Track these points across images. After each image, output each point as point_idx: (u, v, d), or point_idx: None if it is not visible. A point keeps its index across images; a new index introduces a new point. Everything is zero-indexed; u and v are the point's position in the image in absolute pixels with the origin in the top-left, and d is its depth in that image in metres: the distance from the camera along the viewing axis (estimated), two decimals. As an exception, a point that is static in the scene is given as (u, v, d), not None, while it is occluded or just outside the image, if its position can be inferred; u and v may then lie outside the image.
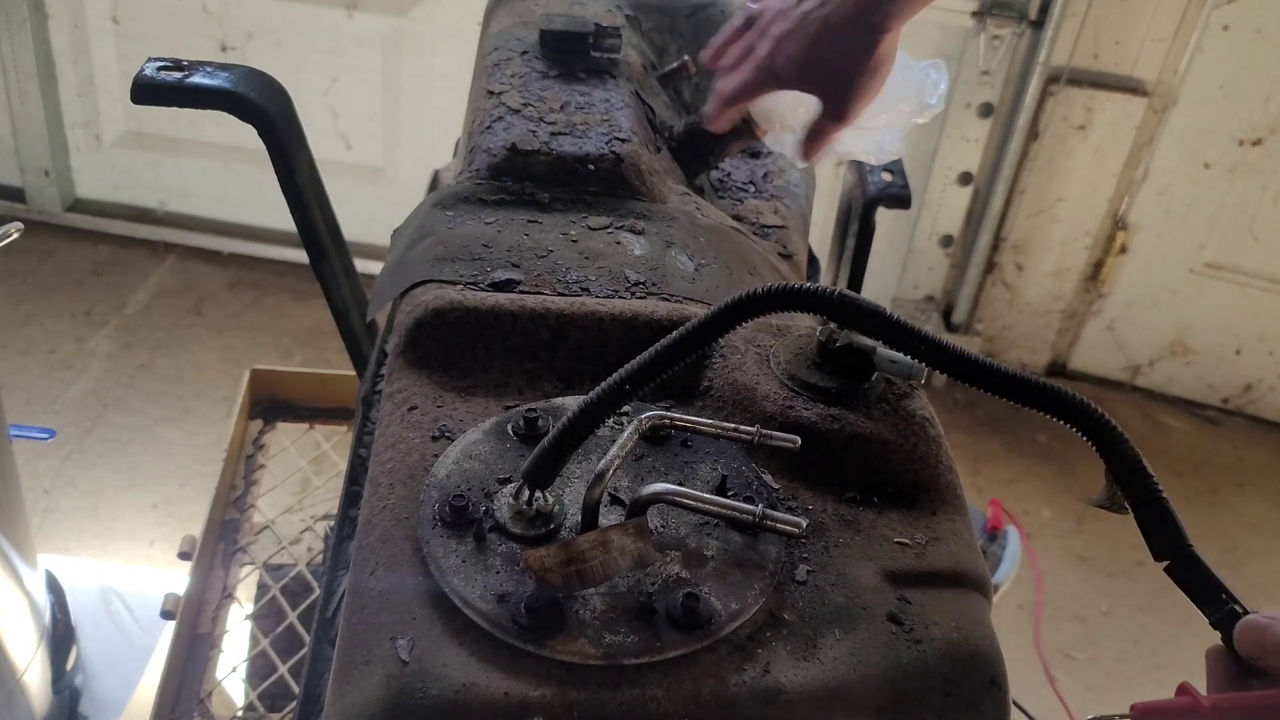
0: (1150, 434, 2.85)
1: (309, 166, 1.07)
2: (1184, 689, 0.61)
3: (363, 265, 1.22)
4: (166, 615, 1.30)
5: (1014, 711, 0.66)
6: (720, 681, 0.59)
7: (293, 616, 1.35)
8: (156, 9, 2.77)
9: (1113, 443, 0.64)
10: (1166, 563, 0.63)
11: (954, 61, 2.59)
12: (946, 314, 2.95)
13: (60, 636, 1.69)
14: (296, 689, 1.18)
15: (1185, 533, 0.63)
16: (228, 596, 1.38)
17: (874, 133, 1.01)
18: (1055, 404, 0.65)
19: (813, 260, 1.18)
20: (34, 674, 1.57)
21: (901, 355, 0.74)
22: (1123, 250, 2.79)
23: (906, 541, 0.69)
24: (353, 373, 1.25)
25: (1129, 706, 0.61)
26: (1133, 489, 0.64)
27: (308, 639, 1.04)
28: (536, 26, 1.08)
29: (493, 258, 0.84)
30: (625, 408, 0.74)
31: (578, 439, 0.64)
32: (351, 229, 1.20)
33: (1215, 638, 0.63)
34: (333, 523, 1.08)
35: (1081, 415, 0.65)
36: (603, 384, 0.64)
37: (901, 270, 2.92)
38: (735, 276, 0.91)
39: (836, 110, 0.97)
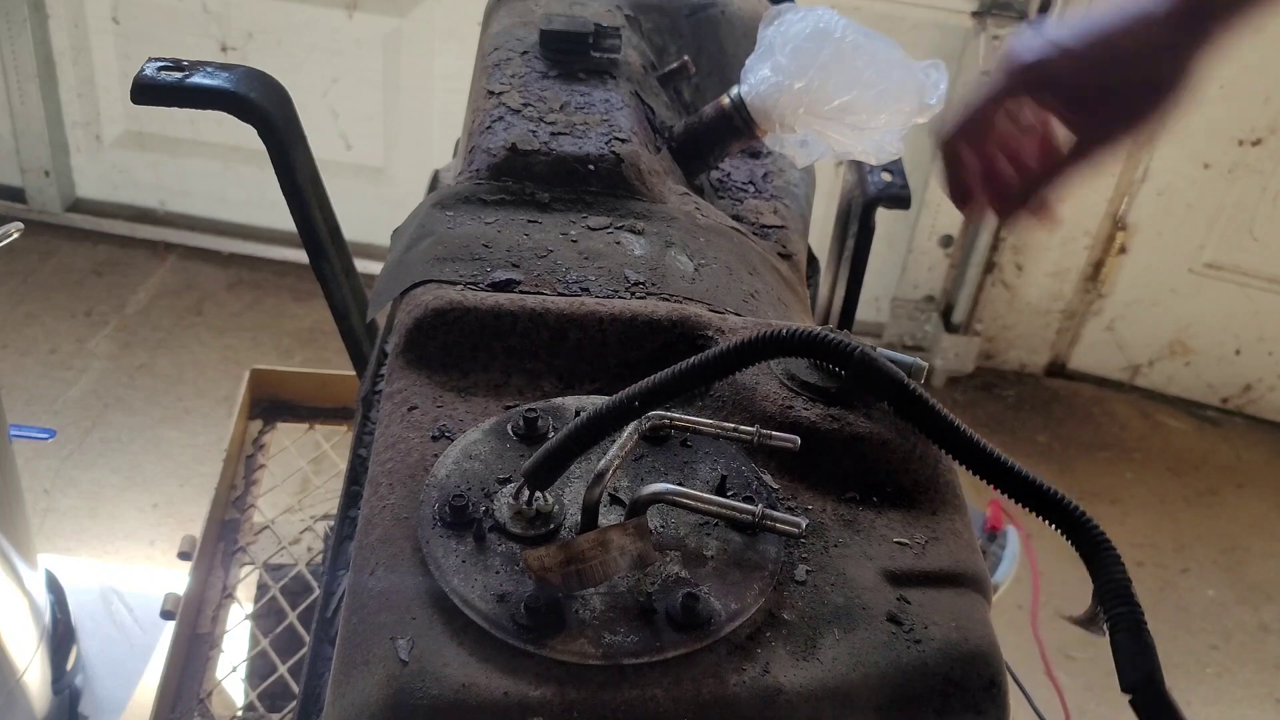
0: (1150, 434, 2.85)
1: (309, 166, 1.07)
2: None
3: (363, 265, 1.22)
4: (166, 615, 1.30)
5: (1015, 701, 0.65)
6: (720, 681, 0.59)
7: (293, 616, 1.35)
8: (156, 9, 2.77)
9: (1106, 562, 0.62)
10: (1132, 695, 0.58)
11: (954, 61, 2.59)
12: (946, 314, 2.95)
13: (60, 636, 1.69)
14: (296, 689, 1.18)
15: (1160, 669, 0.59)
16: (228, 596, 1.38)
17: (873, 133, 1.01)
18: (1057, 513, 0.63)
19: (812, 260, 1.18)
20: (34, 674, 1.57)
21: (902, 355, 0.74)
22: (1122, 250, 2.79)
23: (906, 541, 0.69)
24: (353, 373, 1.25)
25: None
26: (1116, 613, 0.60)
27: (308, 639, 1.04)
28: (536, 26, 1.08)
29: (493, 258, 0.84)
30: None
31: (582, 447, 0.64)
32: (351, 229, 1.20)
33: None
34: (333, 523, 1.08)
35: (1081, 528, 0.63)
36: (613, 397, 0.63)
37: (901, 270, 2.92)
38: (735, 276, 0.91)
39: (1116, 129, 0.79)
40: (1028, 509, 0.64)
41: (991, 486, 0.64)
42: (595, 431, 0.64)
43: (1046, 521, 0.64)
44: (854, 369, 0.63)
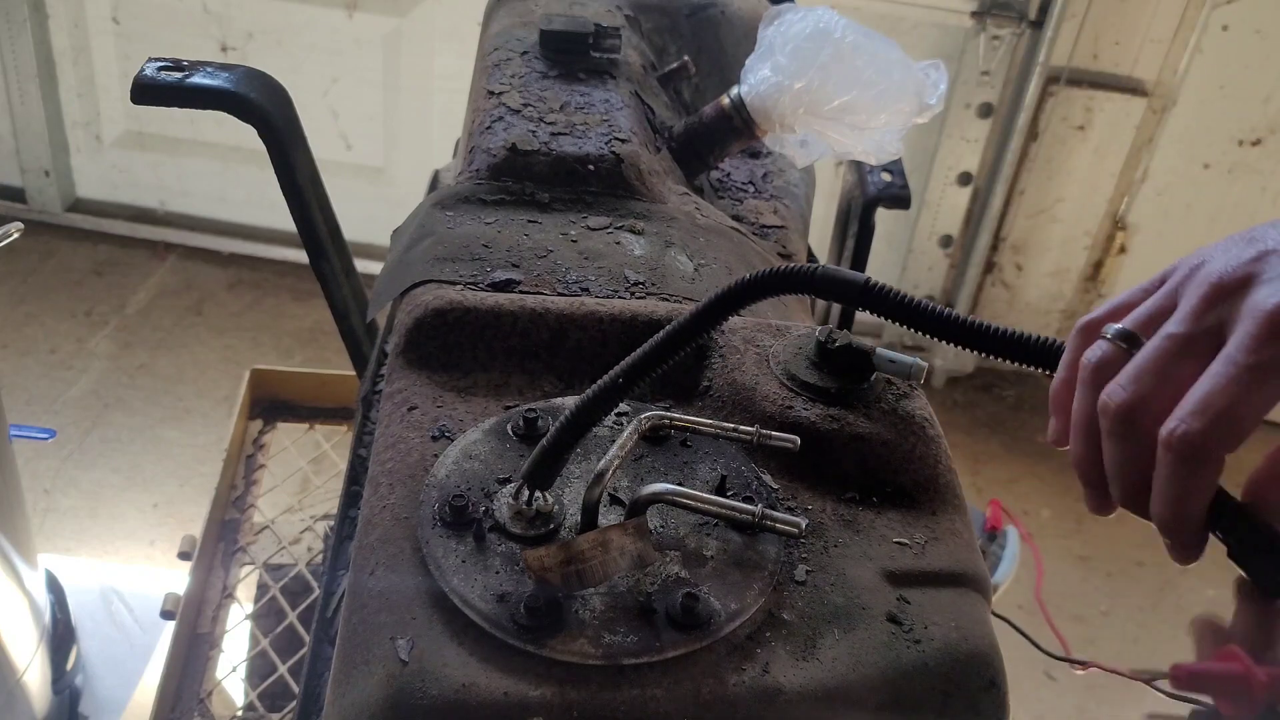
0: (1150, 434, 2.84)
1: (309, 166, 1.07)
2: (1230, 654, 0.56)
3: (363, 265, 1.22)
4: (166, 615, 1.30)
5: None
6: (719, 681, 0.59)
7: (293, 616, 1.35)
8: (157, 9, 2.77)
9: None
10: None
11: (954, 61, 2.59)
12: (946, 314, 2.96)
13: (60, 636, 1.69)
14: (296, 689, 1.18)
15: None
16: (228, 596, 1.38)
17: (873, 133, 1.01)
18: (1054, 361, 0.65)
19: (812, 260, 1.18)
20: (34, 674, 1.57)
21: (902, 355, 0.74)
22: (1122, 250, 2.79)
23: (906, 541, 0.69)
24: (353, 373, 1.25)
25: (1169, 666, 0.58)
26: None
27: (308, 639, 1.04)
28: (536, 26, 1.08)
29: (493, 258, 0.84)
30: (624, 407, 0.75)
31: (575, 437, 0.64)
32: (351, 229, 1.20)
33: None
34: (333, 523, 1.08)
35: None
36: (598, 382, 0.64)
37: (901, 270, 2.92)
38: (735, 276, 0.91)
39: None
40: (1022, 363, 0.66)
41: (982, 353, 0.66)
42: (586, 419, 0.64)
43: (1046, 371, 0.65)
44: (819, 285, 0.66)
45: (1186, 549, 0.57)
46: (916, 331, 0.67)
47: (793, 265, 0.66)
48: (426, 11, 2.71)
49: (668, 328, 0.66)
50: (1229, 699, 0.57)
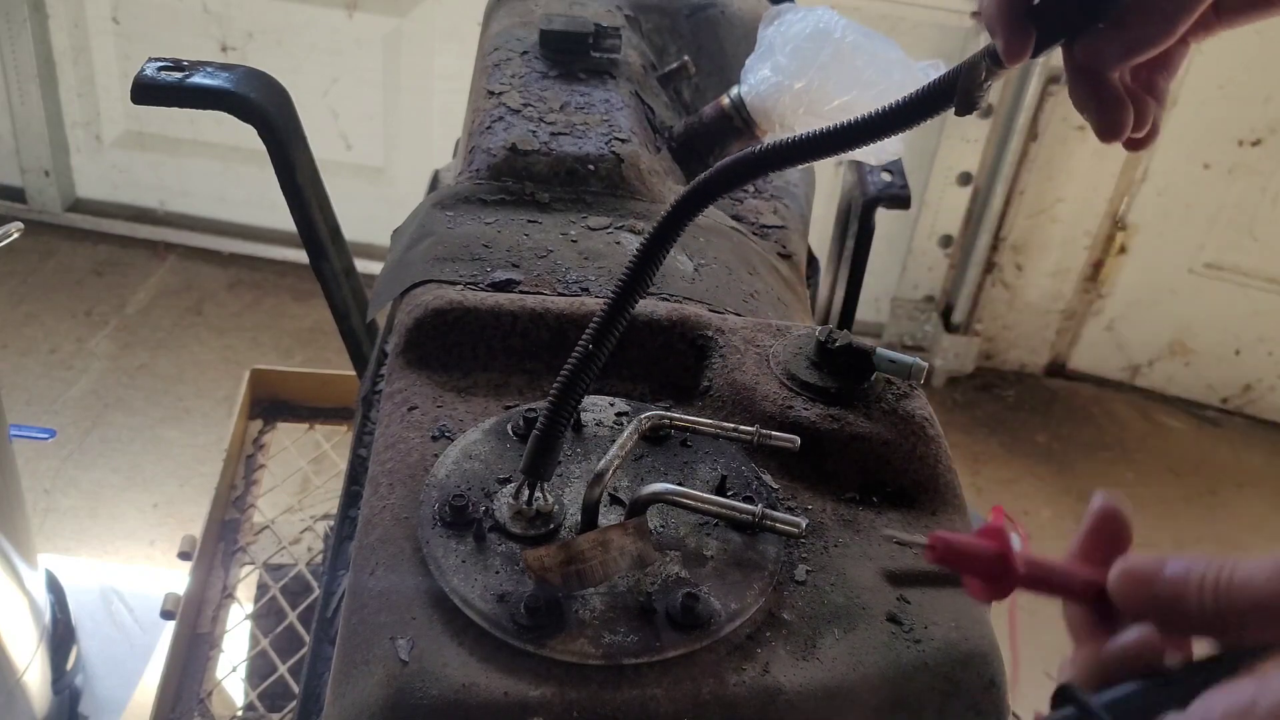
0: (1150, 434, 2.84)
1: (309, 166, 1.07)
2: (993, 533, 0.51)
3: (363, 265, 1.22)
4: (166, 615, 1.30)
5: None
6: (720, 681, 0.59)
7: (293, 616, 1.35)
8: (157, 9, 2.77)
9: None
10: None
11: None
12: (946, 314, 2.95)
13: (60, 636, 1.69)
14: (296, 689, 1.18)
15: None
16: (228, 596, 1.38)
17: (874, 133, 1.01)
18: None
19: (812, 260, 1.18)
20: (34, 674, 1.57)
21: (901, 355, 0.74)
22: (1122, 250, 2.79)
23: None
24: (353, 373, 1.25)
25: (928, 535, 0.51)
26: None
27: (308, 639, 1.04)
28: (536, 26, 1.08)
29: (493, 258, 0.84)
30: (624, 407, 0.75)
31: (566, 417, 0.63)
32: (351, 229, 1.20)
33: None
34: (333, 523, 1.08)
35: None
36: (570, 357, 0.63)
37: (901, 270, 2.92)
38: (735, 276, 0.91)
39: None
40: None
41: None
42: (570, 398, 0.63)
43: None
44: (730, 178, 0.63)
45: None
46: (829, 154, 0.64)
47: (706, 173, 0.63)
48: (426, 11, 2.71)
49: (621, 275, 0.63)
50: (981, 580, 0.51)
